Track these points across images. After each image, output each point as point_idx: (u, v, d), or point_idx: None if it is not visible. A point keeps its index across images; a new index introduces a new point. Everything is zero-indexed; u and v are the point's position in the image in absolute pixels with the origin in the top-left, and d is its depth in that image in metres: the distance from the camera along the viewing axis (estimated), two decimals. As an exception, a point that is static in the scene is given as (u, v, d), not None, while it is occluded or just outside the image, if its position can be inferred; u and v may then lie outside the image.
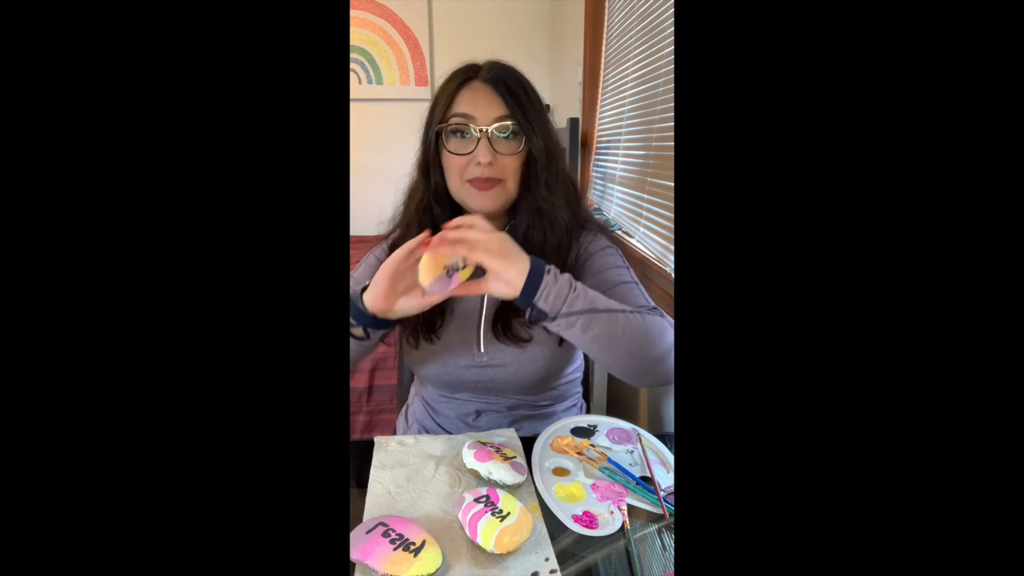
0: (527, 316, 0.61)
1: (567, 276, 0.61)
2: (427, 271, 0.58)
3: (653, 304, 0.70)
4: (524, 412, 0.81)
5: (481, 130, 0.70)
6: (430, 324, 0.78)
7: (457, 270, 0.59)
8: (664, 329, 0.64)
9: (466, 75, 0.73)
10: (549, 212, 0.74)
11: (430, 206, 0.76)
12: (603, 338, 0.61)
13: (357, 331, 0.65)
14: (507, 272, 0.59)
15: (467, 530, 0.49)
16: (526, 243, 0.74)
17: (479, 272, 0.60)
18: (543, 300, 0.59)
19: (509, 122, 0.70)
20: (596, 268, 0.75)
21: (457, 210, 0.77)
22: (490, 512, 0.50)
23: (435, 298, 0.63)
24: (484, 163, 0.69)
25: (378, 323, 0.64)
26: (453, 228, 0.59)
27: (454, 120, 0.71)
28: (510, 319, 0.75)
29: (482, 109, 0.70)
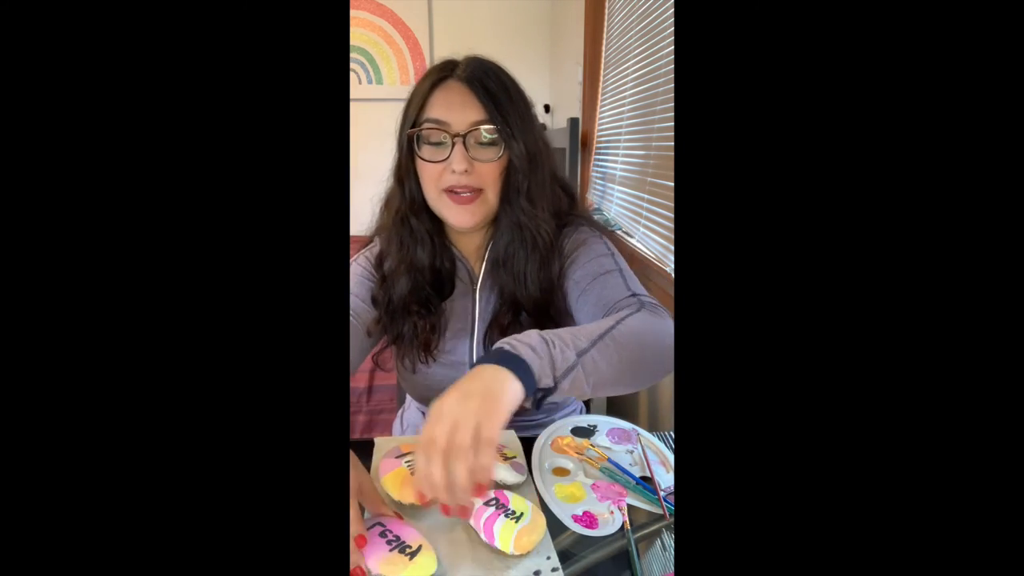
0: (533, 404, 0.49)
1: (534, 334, 0.50)
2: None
3: (634, 291, 0.64)
4: (520, 422, 0.79)
5: (456, 136, 0.63)
6: (427, 344, 0.73)
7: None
8: (648, 323, 0.56)
9: (441, 74, 0.66)
10: (530, 226, 0.67)
11: (407, 217, 0.70)
12: (608, 370, 0.51)
13: None
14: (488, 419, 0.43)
15: (483, 535, 0.49)
16: (507, 260, 0.70)
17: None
18: (540, 377, 0.47)
19: (486, 127, 0.64)
20: (581, 261, 0.69)
21: (436, 220, 0.71)
22: (503, 514, 0.49)
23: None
24: (459, 171, 0.63)
25: None
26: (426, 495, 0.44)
27: (426, 126, 0.64)
28: (505, 330, 0.70)
29: (456, 112, 0.63)
